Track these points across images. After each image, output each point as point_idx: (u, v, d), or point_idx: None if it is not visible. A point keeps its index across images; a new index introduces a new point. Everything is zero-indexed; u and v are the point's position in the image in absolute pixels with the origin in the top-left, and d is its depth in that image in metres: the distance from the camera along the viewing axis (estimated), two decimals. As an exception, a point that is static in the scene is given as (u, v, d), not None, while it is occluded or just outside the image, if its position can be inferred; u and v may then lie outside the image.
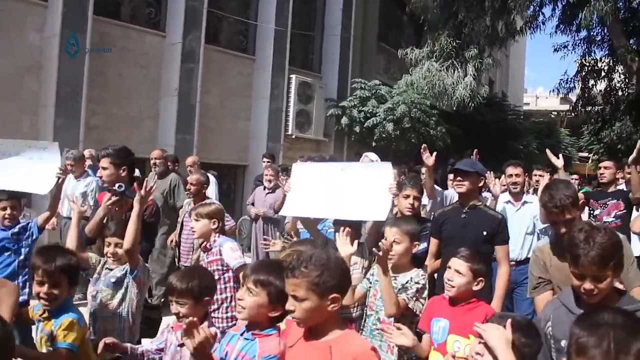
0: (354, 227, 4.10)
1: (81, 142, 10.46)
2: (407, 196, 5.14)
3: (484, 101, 15.50)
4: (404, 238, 4.09)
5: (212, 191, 8.36)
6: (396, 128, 15.06)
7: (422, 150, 5.60)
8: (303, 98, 15.22)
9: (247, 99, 14.47)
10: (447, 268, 3.59)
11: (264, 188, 8.65)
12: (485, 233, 4.77)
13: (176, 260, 7.37)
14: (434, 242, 5.04)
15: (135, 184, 4.27)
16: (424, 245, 4.91)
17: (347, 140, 16.25)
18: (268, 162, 10.34)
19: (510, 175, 6.57)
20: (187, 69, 12.60)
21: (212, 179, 8.56)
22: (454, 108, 15.05)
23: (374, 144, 14.92)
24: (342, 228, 3.81)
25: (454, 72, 14.73)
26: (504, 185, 6.75)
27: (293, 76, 15.07)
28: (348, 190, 4.57)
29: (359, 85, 15.79)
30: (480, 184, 4.91)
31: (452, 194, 6.49)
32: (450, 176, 7.00)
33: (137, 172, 5.15)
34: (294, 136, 15.11)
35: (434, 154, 5.61)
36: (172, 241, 7.61)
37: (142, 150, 9.53)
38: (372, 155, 6.73)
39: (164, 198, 7.72)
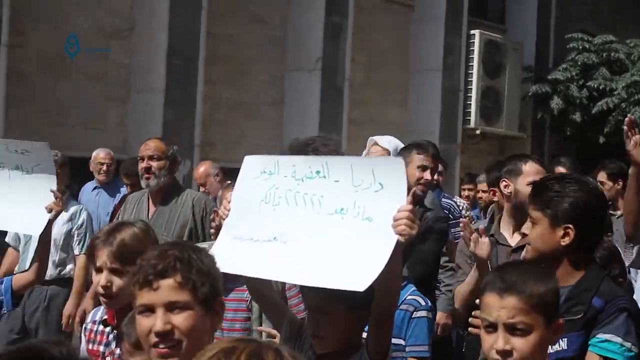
0: (354, 302, 2.33)
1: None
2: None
3: None
4: (533, 316, 2.16)
5: None
6: (646, 115, 10.81)
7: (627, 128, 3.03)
8: (490, 68, 11.12)
9: (403, 72, 10.84)
10: None
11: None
12: None
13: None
14: None
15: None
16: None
17: (549, 135, 12.25)
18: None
19: None
20: (332, 24, 9.31)
21: None
22: None
23: (601, 139, 10.80)
24: None
25: None
26: None
27: (476, 32, 10.88)
28: (322, 219, 2.47)
29: (579, 44, 11.21)
30: None
31: None
32: None
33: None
34: (478, 131, 11.17)
35: None
36: None
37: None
38: (383, 141, 4.38)
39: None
